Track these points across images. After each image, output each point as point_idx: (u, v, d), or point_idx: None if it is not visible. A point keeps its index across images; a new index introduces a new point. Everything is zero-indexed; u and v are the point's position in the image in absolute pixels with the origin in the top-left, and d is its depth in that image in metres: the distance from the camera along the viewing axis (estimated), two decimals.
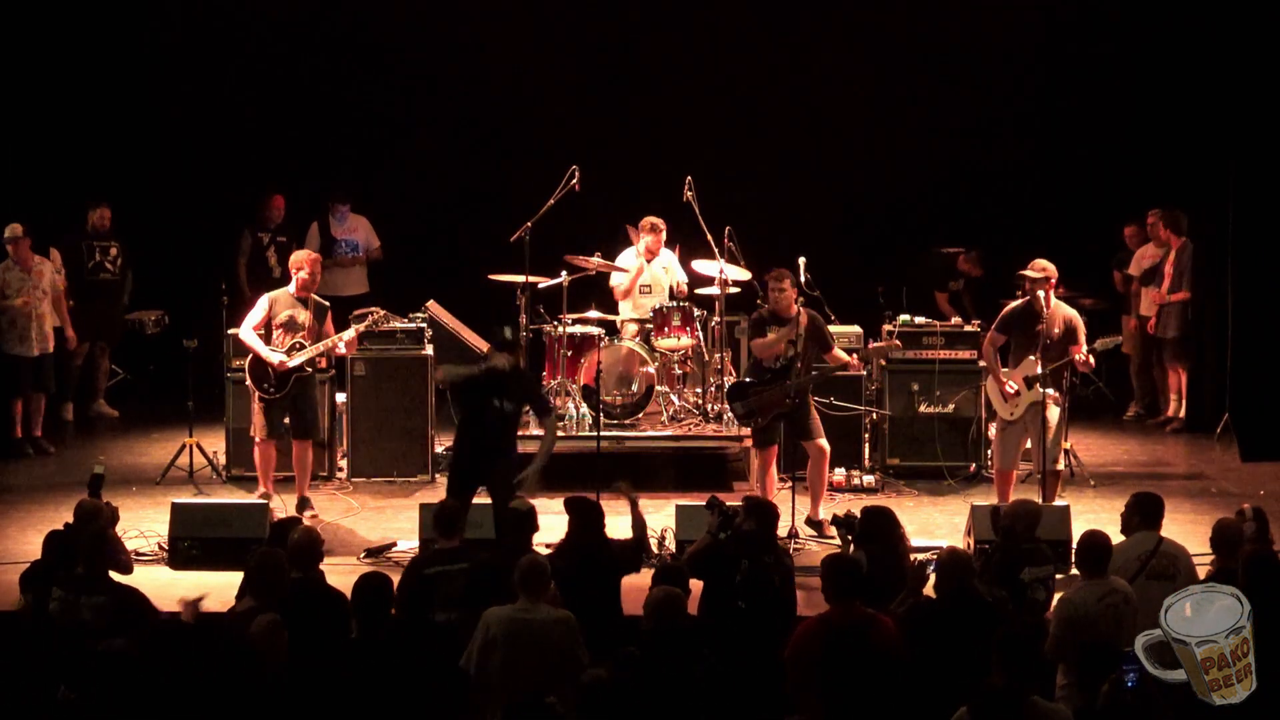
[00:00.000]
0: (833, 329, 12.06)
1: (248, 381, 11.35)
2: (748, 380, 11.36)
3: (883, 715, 7.31)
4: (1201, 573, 8.69)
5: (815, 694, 7.31)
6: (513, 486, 9.74)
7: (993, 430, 12.61)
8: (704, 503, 8.99)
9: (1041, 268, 10.98)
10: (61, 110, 15.12)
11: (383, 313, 11.74)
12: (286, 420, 11.38)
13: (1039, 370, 10.84)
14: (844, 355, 11.17)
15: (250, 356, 11.28)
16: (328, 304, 11.51)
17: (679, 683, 7.23)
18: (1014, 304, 11.26)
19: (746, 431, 11.80)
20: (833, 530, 10.88)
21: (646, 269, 13.04)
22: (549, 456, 10.16)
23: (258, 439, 11.43)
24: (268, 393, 11.23)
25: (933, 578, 8.08)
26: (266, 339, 11.24)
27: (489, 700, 7.51)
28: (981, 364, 12.27)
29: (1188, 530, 10.49)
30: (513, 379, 9.98)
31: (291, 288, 11.34)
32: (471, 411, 10.05)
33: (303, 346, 11.21)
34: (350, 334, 11.44)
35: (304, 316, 11.28)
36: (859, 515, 8.95)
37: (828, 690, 7.30)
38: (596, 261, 12.86)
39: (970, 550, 10.00)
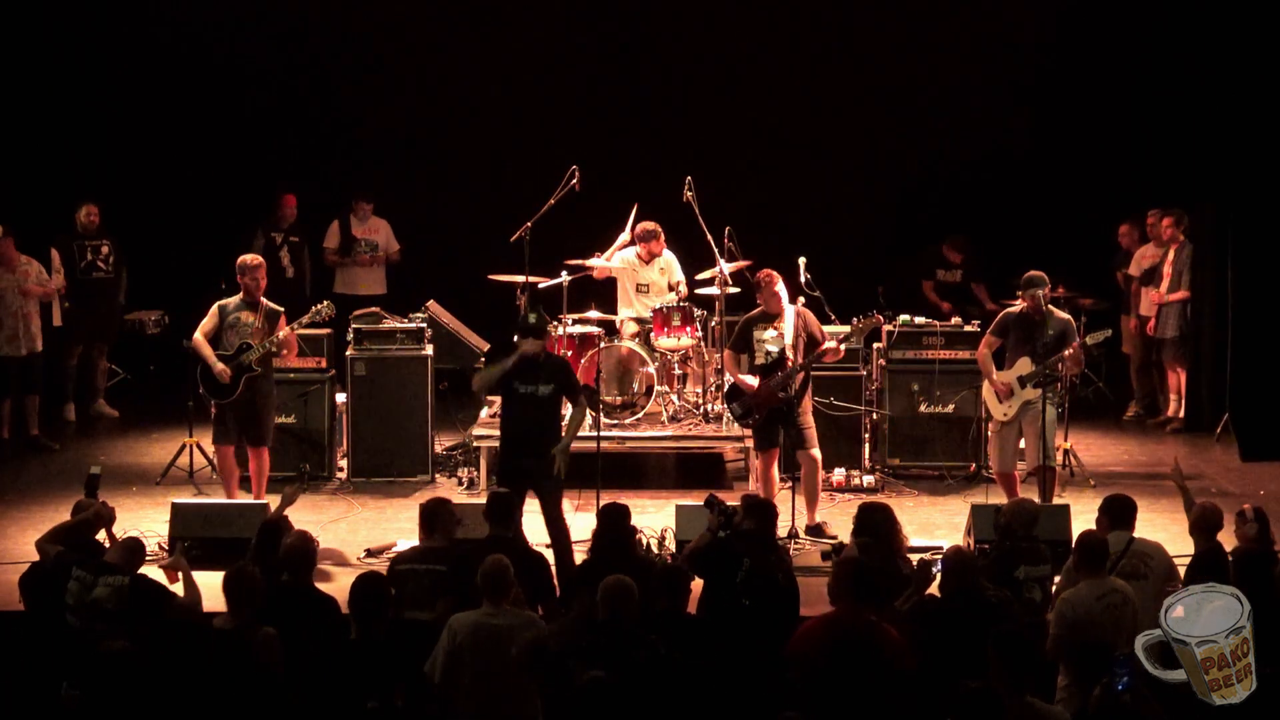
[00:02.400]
0: (832, 329, 12.11)
1: (200, 389, 11.29)
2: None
3: (884, 718, 7.31)
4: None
5: (815, 693, 7.30)
6: (558, 483, 9.81)
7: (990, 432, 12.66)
8: (703, 502, 9.00)
9: (1034, 277, 11.05)
10: (60, 110, 15.12)
11: (327, 303, 11.57)
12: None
13: (1032, 369, 10.90)
14: (830, 344, 11.18)
15: (200, 364, 11.22)
16: (281, 309, 11.37)
17: (637, 671, 7.16)
18: (1010, 309, 11.31)
19: (747, 432, 11.81)
20: (833, 532, 10.93)
21: (644, 270, 13.05)
22: (575, 436, 10.08)
23: (214, 445, 11.50)
24: (219, 397, 11.16)
25: (938, 576, 8.09)
26: (217, 344, 11.17)
27: (458, 707, 7.48)
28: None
29: (1187, 530, 10.48)
30: (544, 364, 9.98)
31: (241, 293, 11.27)
32: (508, 403, 10.02)
33: (249, 347, 11.14)
34: (285, 331, 11.23)
35: (252, 319, 11.20)
36: (856, 513, 8.94)
37: (829, 690, 7.29)
38: (598, 264, 12.90)
39: (971, 550, 10.01)
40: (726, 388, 11.69)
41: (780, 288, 11.22)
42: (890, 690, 7.32)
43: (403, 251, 14.99)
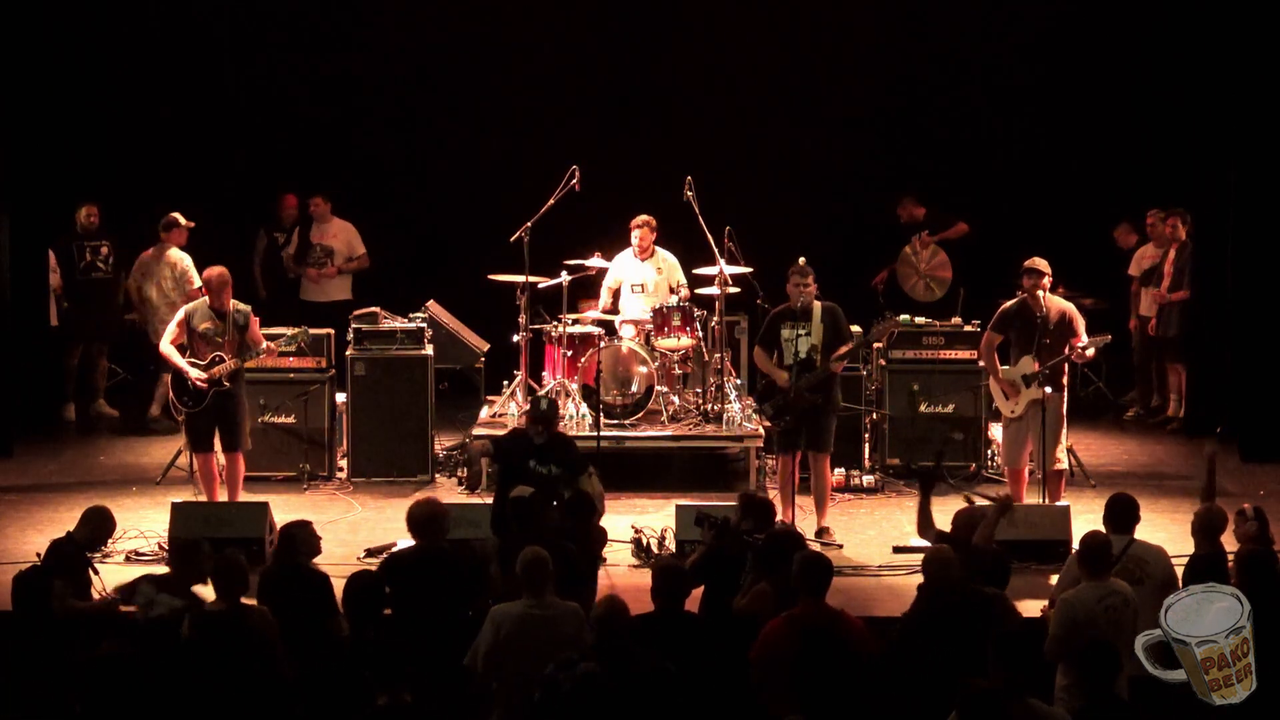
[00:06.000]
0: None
1: (170, 396, 11.24)
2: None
3: (857, 711, 7.28)
4: None
5: (787, 693, 7.26)
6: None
7: (994, 430, 12.65)
8: (693, 521, 8.99)
9: (1035, 265, 11.00)
10: (60, 110, 15.10)
11: (304, 328, 11.74)
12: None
13: (1036, 368, 10.86)
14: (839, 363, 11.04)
15: (171, 371, 11.16)
16: (248, 308, 11.29)
17: (635, 689, 7.14)
18: (1009, 302, 11.24)
19: (745, 431, 11.78)
20: (834, 536, 10.90)
21: (640, 268, 13.04)
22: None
23: (190, 453, 11.48)
24: (187, 406, 11.09)
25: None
26: (187, 350, 11.09)
27: (499, 696, 7.55)
28: (981, 364, 12.33)
29: (1187, 531, 10.48)
30: (549, 446, 9.97)
31: (208, 300, 11.16)
32: (509, 476, 9.96)
33: (222, 360, 11.03)
34: (263, 347, 11.21)
35: (221, 328, 11.08)
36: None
37: (801, 688, 7.24)
38: (595, 262, 12.94)
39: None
40: (759, 390, 11.31)
41: (813, 288, 10.92)
42: (861, 677, 7.30)
43: (387, 249, 14.65)
